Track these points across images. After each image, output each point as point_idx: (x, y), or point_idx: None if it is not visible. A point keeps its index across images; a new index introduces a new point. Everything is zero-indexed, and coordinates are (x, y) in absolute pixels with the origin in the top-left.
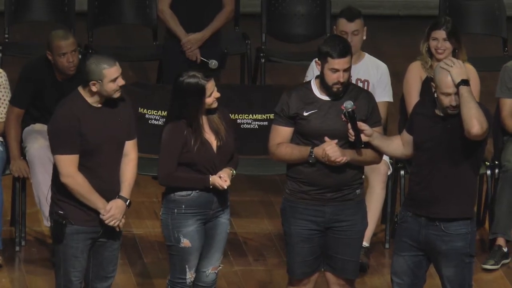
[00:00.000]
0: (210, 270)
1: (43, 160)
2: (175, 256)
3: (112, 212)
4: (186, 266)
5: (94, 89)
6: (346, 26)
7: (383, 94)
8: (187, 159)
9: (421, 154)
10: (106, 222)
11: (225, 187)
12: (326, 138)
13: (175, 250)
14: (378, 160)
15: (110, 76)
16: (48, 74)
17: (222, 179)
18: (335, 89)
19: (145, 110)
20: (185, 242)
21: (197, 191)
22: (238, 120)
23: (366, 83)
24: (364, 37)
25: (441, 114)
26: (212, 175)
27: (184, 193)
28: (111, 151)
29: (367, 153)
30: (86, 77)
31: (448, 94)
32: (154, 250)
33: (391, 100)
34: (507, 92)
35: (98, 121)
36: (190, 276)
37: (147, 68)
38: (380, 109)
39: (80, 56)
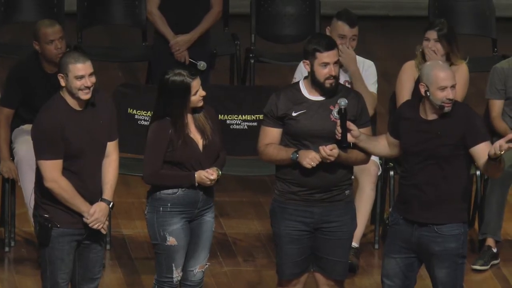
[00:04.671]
0: (198, 269)
1: (30, 161)
2: (161, 254)
3: (96, 215)
4: (173, 264)
5: (62, 82)
6: (347, 31)
7: (368, 87)
8: (173, 157)
9: (410, 159)
10: (90, 225)
11: (211, 178)
12: (321, 148)
13: (161, 249)
14: (366, 161)
15: (74, 72)
16: (36, 70)
17: (208, 172)
18: (328, 85)
19: (134, 110)
20: (171, 240)
21: (183, 189)
22: (227, 121)
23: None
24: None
25: (428, 118)
26: None
27: (170, 191)
28: (94, 154)
29: (357, 154)
30: (59, 71)
31: (445, 88)
32: (143, 250)
33: (375, 92)
34: (496, 93)
35: (81, 124)
36: (177, 274)
37: (136, 68)
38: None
39: (68, 49)
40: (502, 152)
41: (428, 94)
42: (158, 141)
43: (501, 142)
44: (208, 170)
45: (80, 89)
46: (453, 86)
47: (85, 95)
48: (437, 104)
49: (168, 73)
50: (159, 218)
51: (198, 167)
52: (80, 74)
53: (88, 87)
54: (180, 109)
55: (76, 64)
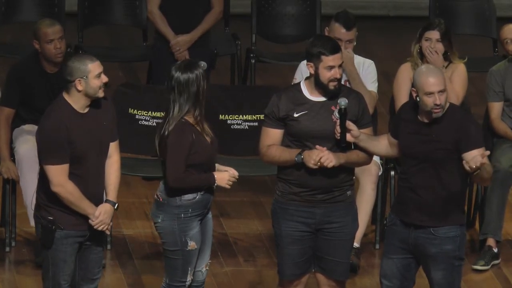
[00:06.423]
0: (204, 268)
1: (31, 161)
2: (178, 260)
3: (101, 217)
4: (189, 268)
5: (79, 87)
6: (342, 34)
7: (368, 86)
8: (194, 160)
9: (409, 160)
10: (95, 227)
11: (236, 177)
12: (318, 147)
13: (180, 254)
14: (368, 161)
15: (95, 70)
16: (36, 69)
17: (235, 174)
18: (332, 87)
19: (134, 110)
20: (192, 245)
21: (202, 193)
22: (228, 121)
23: None
24: (355, 43)
25: (424, 121)
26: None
27: (190, 197)
28: (98, 155)
29: (359, 155)
30: (70, 77)
31: (432, 94)
32: (144, 250)
33: (375, 90)
34: (495, 96)
35: (85, 127)
36: (190, 278)
37: (137, 68)
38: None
39: (69, 49)
40: (475, 167)
41: (418, 99)
42: (181, 144)
43: (475, 156)
44: (231, 172)
45: (100, 87)
46: (441, 91)
47: (102, 93)
48: (426, 109)
49: (185, 70)
50: (181, 224)
51: (212, 166)
52: (99, 71)
53: (105, 84)
54: (201, 97)
55: (94, 63)
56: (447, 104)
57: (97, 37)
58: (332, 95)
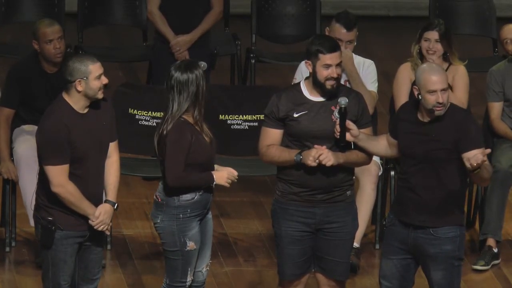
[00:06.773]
0: (204, 268)
1: (29, 160)
2: (178, 260)
3: (101, 218)
4: (189, 268)
5: (79, 88)
6: (343, 35)
7: (368, 86)
8: (193, 160)
9: (408, 160)
10: (95, 227)
11: (236, 177)
12: (317, 146)
13: (179, 255)
14: (368, 161)
15: (95, 72)
16: (36, 69)
17: (234, 172)
18: (329, 86)
19: (134, 110)
20: (191, 245)
21: (200, 193)
22: (228, 121)
23: None
24: (355, 43)
25: (424, 120)
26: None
27: (189, 197)
28: (98, 155)
29: (358, 154)
30: (70, 77)
31: (434, 92)
32: (144, 250)
33: (375, 90)
34: (494, 96)
35: (85, 127)
36: (190, 278)
37: (137, 68)
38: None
39: (68, 49)
40: (475, 165)
41: (420, 98)
42: (180, 143)
43: (476, 154)
44: (230, 170)
45: (100, 89)
46: (444, 90)
47: (102, 94)
48: (428, 107)
49: (185, 69)
50: (180, 224)
51: (211, 167)
52: (100, 73)
53: (105, 85)
54: (201, 96)
55: (95, 64)
56: (448, 104)
57: (97, 37)
58: (330, 95)
